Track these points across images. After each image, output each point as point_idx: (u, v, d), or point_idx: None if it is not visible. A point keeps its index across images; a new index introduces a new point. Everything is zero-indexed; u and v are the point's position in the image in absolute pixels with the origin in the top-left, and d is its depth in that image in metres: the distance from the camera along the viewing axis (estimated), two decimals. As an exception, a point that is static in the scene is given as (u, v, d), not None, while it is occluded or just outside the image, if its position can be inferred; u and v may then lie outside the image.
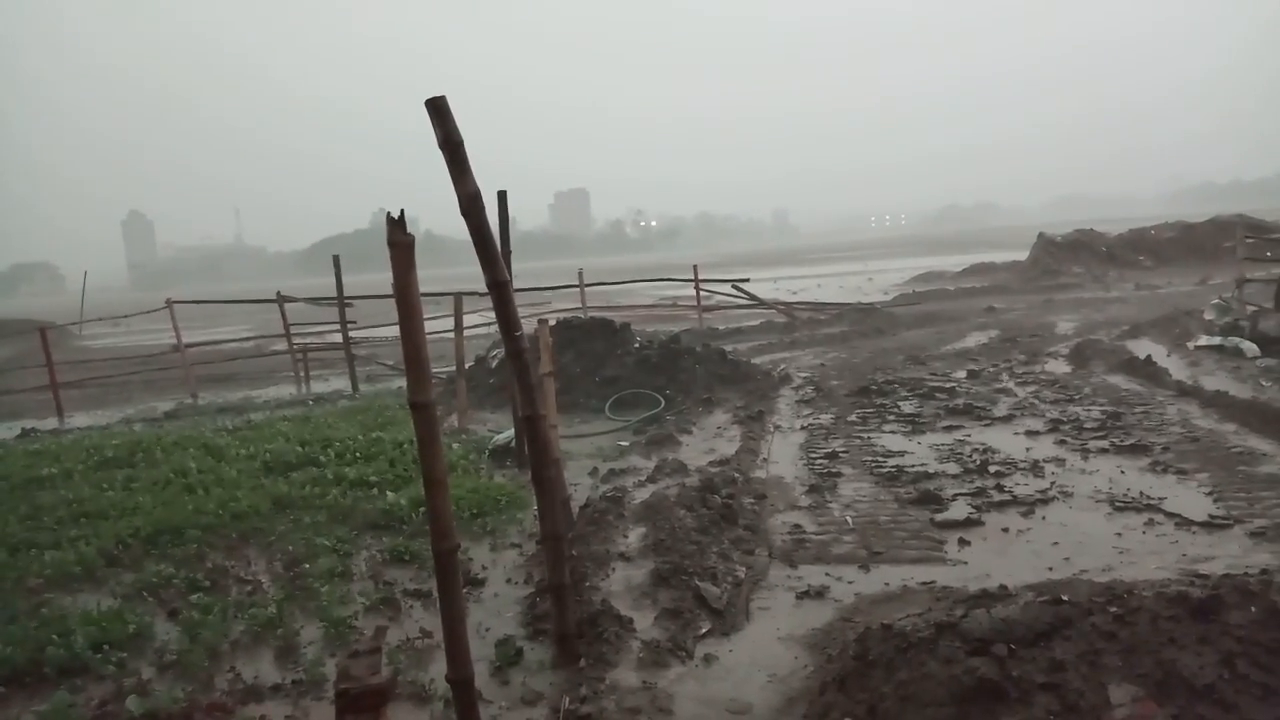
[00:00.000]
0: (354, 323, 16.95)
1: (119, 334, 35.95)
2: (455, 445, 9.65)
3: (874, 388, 12.04)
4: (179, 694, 4.54)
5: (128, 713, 4.35)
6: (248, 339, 22.93)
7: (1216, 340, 13.32)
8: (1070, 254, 33.49)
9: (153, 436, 10.72)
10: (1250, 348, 12.50)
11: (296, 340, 18.53)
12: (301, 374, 17.78)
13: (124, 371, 19.59)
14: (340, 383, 16.70)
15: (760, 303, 24.19)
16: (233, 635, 5.24)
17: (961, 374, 12.96)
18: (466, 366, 12.11)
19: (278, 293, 19.45)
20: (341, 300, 16.28)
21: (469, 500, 7.30)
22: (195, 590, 5.90)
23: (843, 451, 8.88)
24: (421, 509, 6.96)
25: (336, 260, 16.48)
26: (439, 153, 4.04)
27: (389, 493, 7.63)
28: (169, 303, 18.94)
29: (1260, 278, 16.41)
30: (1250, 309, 14.40)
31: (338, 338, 16.93)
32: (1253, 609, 3.37)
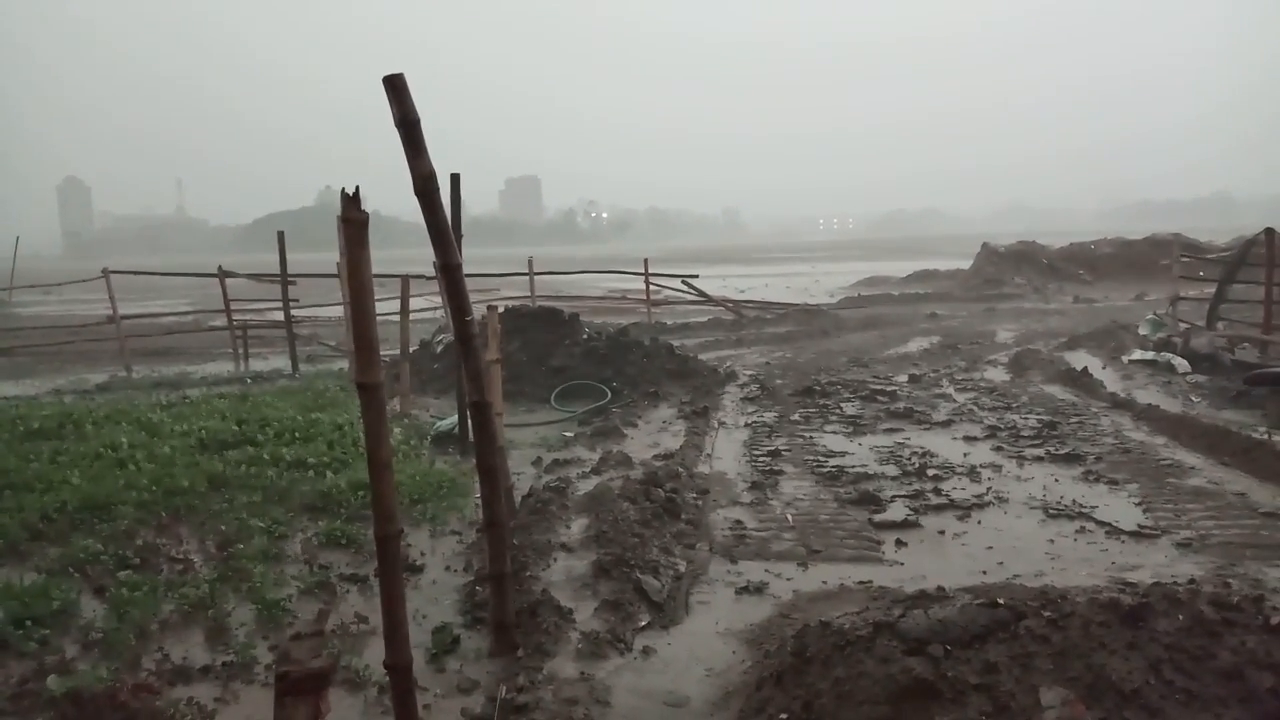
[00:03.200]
0: (296, 301, 16.66)
1: (51, 303, 34.90)
2: (397, 430, 9.53)
3: (817, 388, 12.16)
4: (103, 673, 4.41)
5: (48, 691, 4.22)
6: (186, 313, 22.46)
7: (1150, 355, 13.68)
8: (1012, 264, 34.16)
9: (84, 409, 10.42)
10: (1181, 363, 12.85)
11: (236, 317, 18.15)
12: (240, 351, 17.43)
13: (55, 341, 19.02)
14: (280, 362, 16.40)
15: (709, 299, 24.30)
16: (162, 615, 5.12)
17: (903, 378, 13.14)
18: (410, 350, 11.97)
19: (219, 267, 19.05)
20: (285, 277, 15.98)
21: (410, 486, 7.21)
22: (124, 568, 5.75)
23: (785, 450, 8.95)
24: (360, 492, 6.87)
25: (281, 236, 16.17)
26: (393, 131, 3.96)
27: (328, 474, 7.51)
28: (105, 272, 18.42)
29: (1193, 296, 16.88)
30: (1183, 326, 14.82)
31: (279, 316, 16.62)
32: (1180, 617, 3.46)
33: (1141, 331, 15.61)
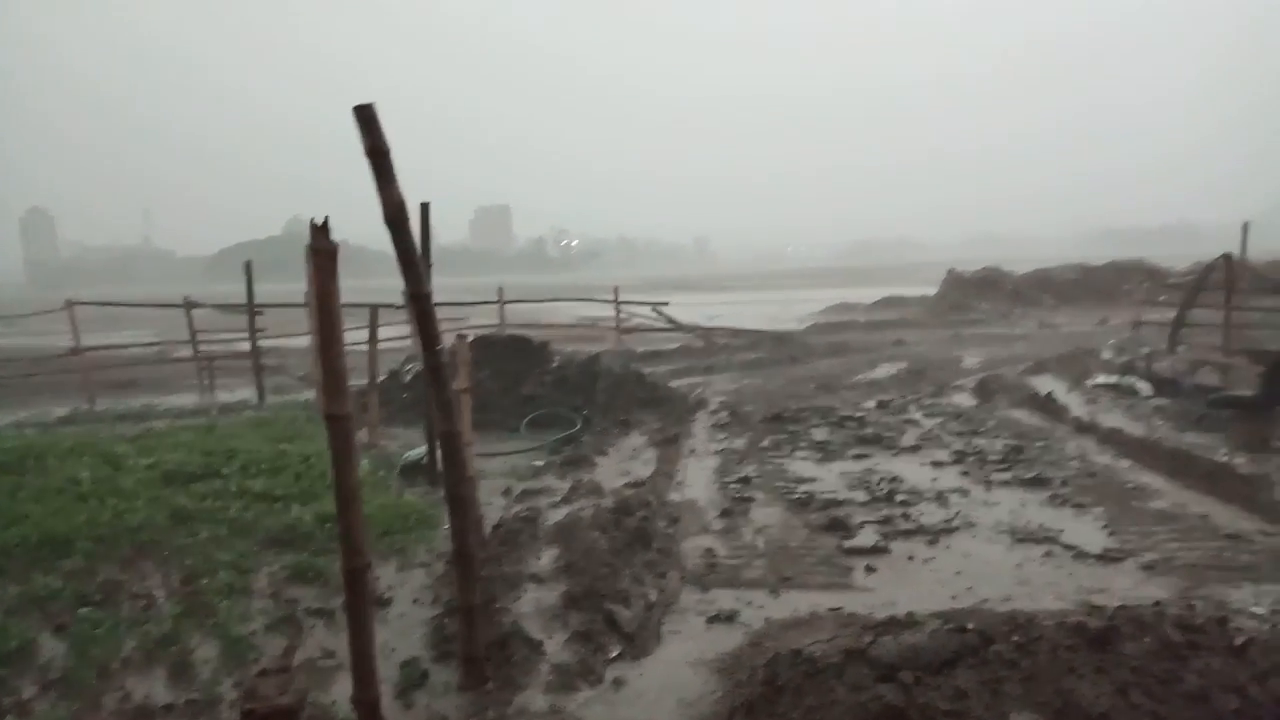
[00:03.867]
0: (263, 331, 16.50)
1: (13, 334, 34.35)
2: (365, 461, 9.44)
3: (787, 415, 12.20)
4: (63, 714, 4.32)
5: (6, 733, 4.13)
6: (151, 344, 22.15)
7: (1114, 379, 13.85)
8: (978, 291, 34.58)
9: (45, 442, 10.23)
10: (1145, 387, 13.03)
11: (203, 348, 17.95)
12: (206, 383, 17.23)
13: (16, 373, 18.71)
14: (247, 393, 16.22)
15: (679, 327, 24.34)
16: (124, 652, 5.02)
17: (871, 404, 13.22)
18: (379, 380, 11.89)
19: (184, 298, 18.85)
20: (252, 308, 15.84)
21: (378, 517, 7.14)
22: (85, 604, 5.64)
23: (755, 477, 8.96)
24: (327, 525, 6.79)
25: (248, 266, 16.04)
26: (361, 160, 3.96)
27: (294, 507, 7.42)
28: (69, 303, 18.17)
29: (1155, 320, 17.16)
30: (1145, 350, 15.02)
31: (246, 346, 16.46)
32: (1146, 640, 3.49)
33: (1105, 356, 15.82)
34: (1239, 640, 3.62)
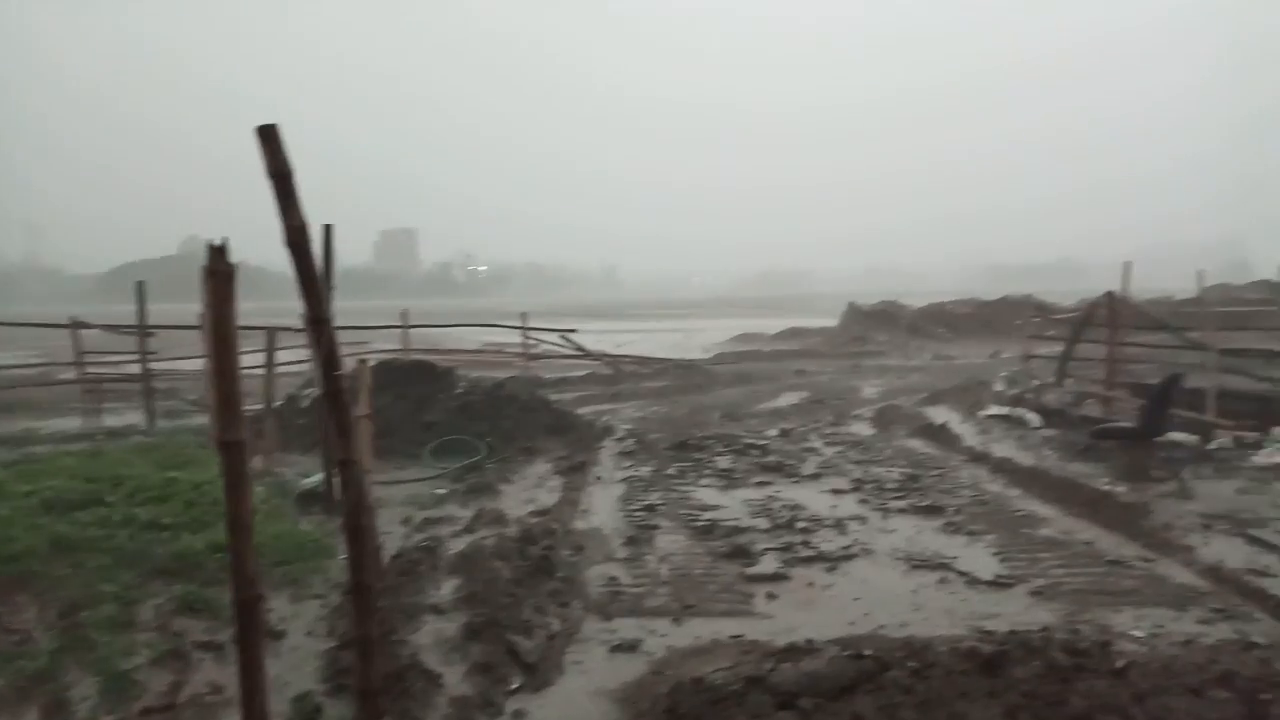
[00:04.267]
0: (155, 354, 15.92)
1: (-123, 352, 32.38)
2: (259, 488, 9.16)
3: (692, 442, 12.30)
4: (-77, 758, 4.06)
5: None
6: (34, 365, 21.13)
7: (1005, 410, 14.35)
8: (876, 323, 35.57)
9: (-89, 468, 9.66)
10: (1034, 418, 13.53)
11: (90, 370, 17.21)
12: (93, 406, 16.50)
13: (-119, 395, 17.61)
14: (136, 417, 15.59)
15: (586, 354, 24.36)
16: (-7, 691, 4.74)
17: (774, 432, 13.43)
18: (276, 405, 11.58)
19: (71, 317, 18.07)
20: (143, 329, 15.29)
21: (272, 547, 6.92)
22: (-49, 640, 5.31)
23: (660, 504, 9.00)
24: (218, 554, 6.55)
25: (140, 286, 15.50)
26: (258, 180, 3.87)
27: (184, 535, 7.14)
28: (-59, 321, 17.25)
29: (1044, 354, 17.83)
30: (1035, 382, 15.62)
31: (136, 369, 15.85)
32: (1035, 664, 3.61)
33: (997, 387, 16.38)
34: (1121, 663, 3.77)
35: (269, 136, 3.80)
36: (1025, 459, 10.97)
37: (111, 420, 15.89)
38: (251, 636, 3.34)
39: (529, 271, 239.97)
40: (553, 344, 24.66)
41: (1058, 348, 16.52)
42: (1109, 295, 14.30)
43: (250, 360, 13.64)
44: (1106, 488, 9.09)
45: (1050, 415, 13.64)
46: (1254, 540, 7.33)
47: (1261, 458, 10.23)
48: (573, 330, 24.82)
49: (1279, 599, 5.88)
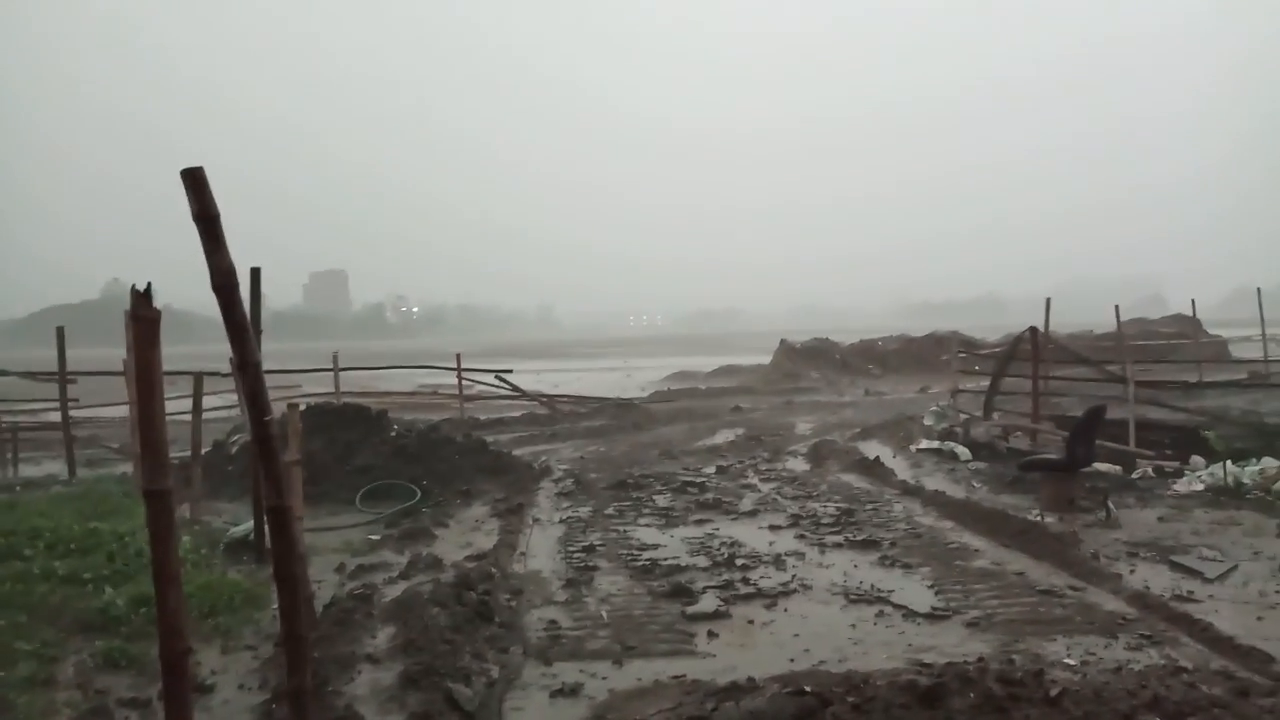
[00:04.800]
0: (76, 401, 15.44)
1: None
2: (186, 538, 8.90)
3: (631, 481, 12.28)
4: None
5: None
6: (-58, 414, 20.30)
7: (935, 444, 14.61)
8: (808, 360, 36.04)
9: None
10: (963, 451, 13.80)
11: (5, 419, 16.59)
12: (9, 456, 15.90)
13: None
14: (56, 466, 15.07)
15: (522, 394, 24.23)
16: (-102, 760, 4.51)
17: (711, 469, 13.48)
18: (203, 452, 11.29)
19: (-16, 364, 17.46)
20: (63, 375, 14.83)
21: (200, 598, 6.72)
22: None
23: (600, 545, 8.95)
24: (142, 608, 6.35)
25: (60, 332, 15.06)
26: (184, 222, 3.80)
27: (106, 589, 6.90)
28: None
29: (971, 388, 18.24)
30: (963, 416, 15.95)
31: (55, 417, 15.34)
32: (971, 695, 3.66)
33: (927, 422, 16.68)
34: (1054, 691, 3.83)
35: (196, 179, 3.75)
36: (956, 492, 11.16)
37: (29, 470, 15.34)
38: (179, 692, 3.22)
39: (462, 312, 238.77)
40: (488, 385, 24.49)
41: (984, 382, 16.90)
42: (1032, 330, 14.71)
43: (176, 406, 13.33)
44: (1035, 518, 9.29)
45: (979, 448, 13.92)
46: (1177, 566, 7.55)
47: (1181, 486, 10.57)
48: (508, 371, 24.68)
49: (1204, 624, 6.04)
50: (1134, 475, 11.41)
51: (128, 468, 13.52)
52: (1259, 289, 22.83)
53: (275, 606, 5.22)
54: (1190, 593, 6.84)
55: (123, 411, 15.88)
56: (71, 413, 15.15)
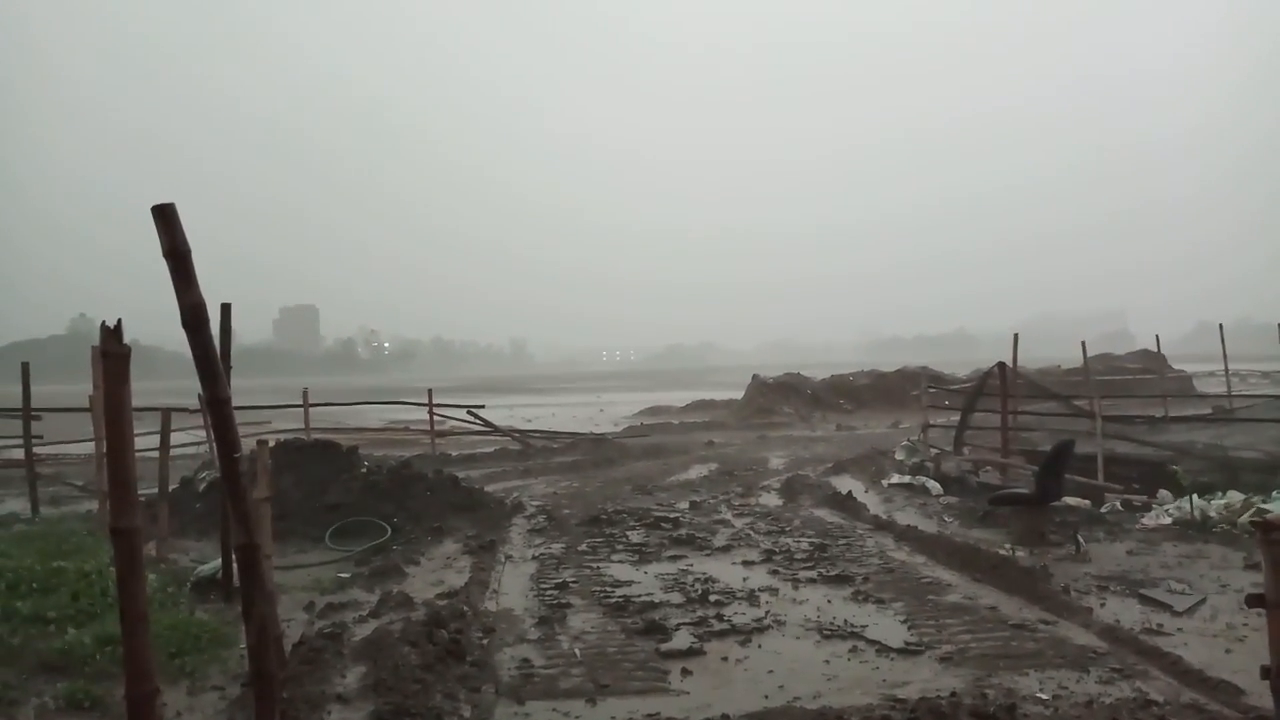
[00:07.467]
0: (40, 438, 15.20)
1: None
2: (153, 576, 8.75)
3: (604, 517, 12.24)
4: None
5: None
6: (-98, 452, 19.92)
7: (906, 478, 14.70)
8: (781, 395, 36.18)
9: None
10: (935, 486, 13.88)
11: (-35, 456, 16.30)
12: (-31, 494, 15.60)
13: None
14: (18, 504, 14.79)
15: (495, 429, 24.14)
16: None
17: (685, 505, 13.46)
18: (171, 489, 11.14)
19: (-54, 401, 17.17)
20: (28, 412, 14.61)
21: (167, 638, 6.60)
22: None
23: (573, 582, 8.89)
24: (107, 648, 6.23)
25: (25, 368, 14.87)
26: (150, 258, 3.79)
27: (70, 629, 6.77)
28: None
29: (941, 423, 18.38)
30: (934, 451, 16.06)
31: (19, 454, 15.10)
32: (944, 730, 3.65)
33: (898, 457, 16.78)
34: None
35: (167, 215, 3.74)
36: (928, 526, 11.21)
37: (-10, 509, 15.04)
38: (144, 735, 3.17)
39: (435, 347, 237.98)
40: (460, 420, 24.39)
41: (954, 417, 17.04)
42: (1000, 366, 14.87)
43: (143, 443, 13.16)
44: (1007, 552, 9.34)
45: (950, 483, 14.01)
46: (1146, 599, 7.61)
47: (1149, 520, 10.67)
48: (480, 406, 24.61)
49: (1173, 657, 6.08)
50: (1103, 509, 11.51)
51: (92, 505, 13.31)
52: (1220, 325, 23.23)
53: (243, 646, 5.15)
54: (1160, 626, 6.89)
55: (87, 448, 15.66)
56: (35, 449, 14.92)
